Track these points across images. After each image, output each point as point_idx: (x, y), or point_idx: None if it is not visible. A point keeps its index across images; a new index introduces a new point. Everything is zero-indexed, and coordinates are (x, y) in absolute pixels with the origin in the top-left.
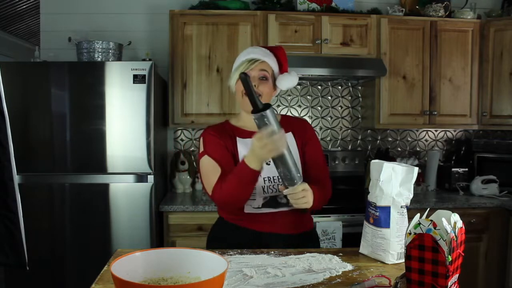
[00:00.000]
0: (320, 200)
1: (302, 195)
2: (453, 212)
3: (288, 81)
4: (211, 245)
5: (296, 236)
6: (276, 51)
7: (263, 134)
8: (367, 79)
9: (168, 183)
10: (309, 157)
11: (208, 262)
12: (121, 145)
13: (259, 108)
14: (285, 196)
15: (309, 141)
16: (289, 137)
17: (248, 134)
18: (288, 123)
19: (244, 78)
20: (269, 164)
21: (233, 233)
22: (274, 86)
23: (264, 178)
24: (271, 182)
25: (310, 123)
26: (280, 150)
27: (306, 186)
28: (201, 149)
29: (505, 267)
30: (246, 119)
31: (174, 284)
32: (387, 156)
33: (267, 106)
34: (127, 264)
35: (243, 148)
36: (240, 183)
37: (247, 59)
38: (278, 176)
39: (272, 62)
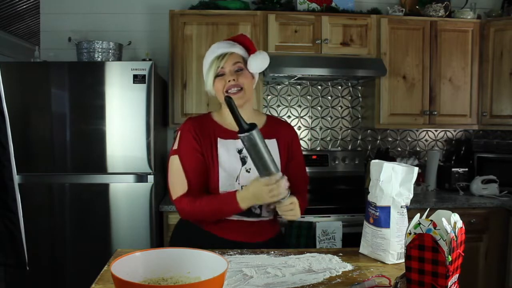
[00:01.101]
0: (303, 210)
1: (291, 208)
2: (453, 212)
3: (257, 61)
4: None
5: (261, 243)
6: (240, 39)
7: (271, 181)
8: (367, 79)
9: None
10: (294, 172)
11: (208, 262)
12: (121, 145)
13: (244, 129)
14: (259, 207)
15: (295, 155)
16: (272, 144)
17: (229, 135)
18: (273, 128)
19: (228, 101)
20: (249, 172)
21: (195, 235)
22: (252, 74)
23: (242, 186)
24: None
25: (310, 123)
26: (284, 193)
27: (294, 199)
28: (175, 146)
29: (505, 267)
30: (228, 117)
31: (174, 284)
32: (387, 156)
33: (253, 126)
34: (127, 264)
35: (224, 150)
36: (219, 211)
37: (215, 56)
38: None
39: (240, 51)
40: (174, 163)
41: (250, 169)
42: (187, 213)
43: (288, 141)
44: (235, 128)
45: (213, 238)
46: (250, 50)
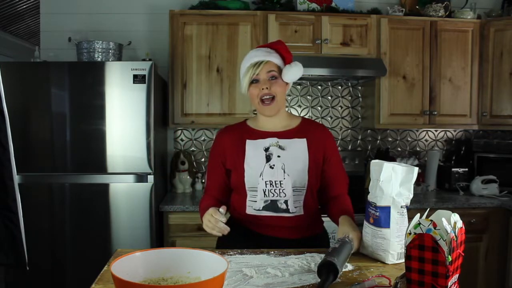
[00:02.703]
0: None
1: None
2: (453, 212)
3: (291, 72)
4: (220, 241)
5: (299, 240)
6: (276, 47)
7: (216, 215)
8: (367, 79)
9: (168, 183)
10: (333, 172)
11: (208, 262)
12: (121, 145)
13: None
14: (285, 203)
15: (330, 156)
16: (302, 143)
17: (258, 136)
18: (305, 128)
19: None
20: (272, 168)
21: (236, 232)
22: (285, 82)
23: (266, 182)
24: (273, 186)
25: None
26: (215, 232)
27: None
28: (211, 149)
29: (505, 267)
30: (262, 122)
31: (174, 284)
32: (387, 156)
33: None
34: (127, 264)
35: (251, 148)
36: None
37: (251, 63)
38: (280, 181)
39: (276, 59)
40: (207, 165)
41: (274, 165)
42: (199, 207)
43: (321, 143)
44: (266, 128)
45: (250, 235)
46: (286, 58)
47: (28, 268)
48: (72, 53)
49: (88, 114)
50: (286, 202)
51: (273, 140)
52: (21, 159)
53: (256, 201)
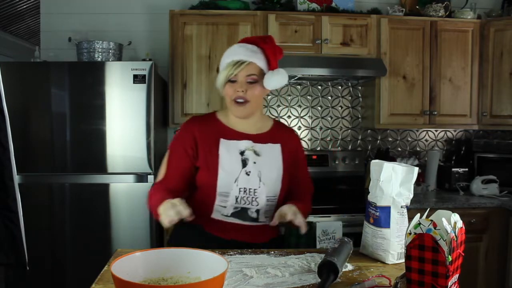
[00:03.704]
0: (306, 215)
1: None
2: (453, 212)
3: (274, 80)
4: (173, 241)
5: (264, 244)
6: (263, 46)
7: (175, 205)
8: (367, 79)
9: None
10: (300, 179)
11: (208, 262)
12: (121, 145)
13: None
14: (256, 212)
15: (300, 162)
16: (276, 149)
17: (232, 136)
18: (278, 133)
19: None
20: (248, 175)
21: (197, 237)
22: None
23: (240, 188)
24: (246, 194)
25: (310, 123)
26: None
27: (294, 209)
28: (174, 139)
29: (505, 267)
30: (234, 120)
31: (174, 284)
32: (387, 156)
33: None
34: (127, 264)
35: (225, 150)
36: (154, 211)
37: (232, 61)
38: (254, 189)
39: (259, 62)
40: (166, 154)
41: (250, 172)
42: (148, 198)
43: (293, 149)
44: (239, 128)
45: (213, 239)
46: (271, 62)
47: (28, 268)
48: (72, 53)
49: (88, 114)
50: (257, 211)
51: (248, 143)
52: (21, 159)
53: (225, 207)
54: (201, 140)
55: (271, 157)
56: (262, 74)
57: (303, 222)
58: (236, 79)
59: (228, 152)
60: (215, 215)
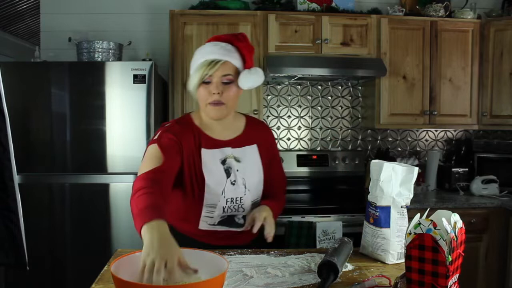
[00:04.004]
0: (278, 214)
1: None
2: (453, 212)
3: (250, 80)
4: None
5: (253, 240)
6: (238, 44)
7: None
8: (367, 79)
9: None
10: (273, 175)
11: (208, 262)
12: (121, 145)
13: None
14: (243, 218)
15: (274, 158)
16: (254, 151)
17: (213, 144)
18: (253, 132)
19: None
20: (234, 185)
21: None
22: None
23: (227, 199)
24: (233, 203)
25: (310, 123)
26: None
27: (265, 214)
28: (155, 137)
29: (505, 267)
30: (210, 123)
31: (174, 284)
32: (387, 156)
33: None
34: (127, 264)
35: (208, 160)
36: (134, 217)
37: (206, 60)
38: (240, 197)
39: (235, 60)
40: (151, 149)
41: (235, 181)
42: (133, 189)
43: (268, 145)
44: (217, 134)
45: (202, 246)
46: (246, 60)
47: (28, 268)
48: (72, 53)
49: (88, 114)
50: (244, 217)
51: (228, 150)
52: (21, 159)
53: (212, 217)
54: (186, 149)
55: (251, 161)
56: (237, 73)
57: (270, 232)
58: (210, 80)
59: (211, 163)
60: (201, 226)
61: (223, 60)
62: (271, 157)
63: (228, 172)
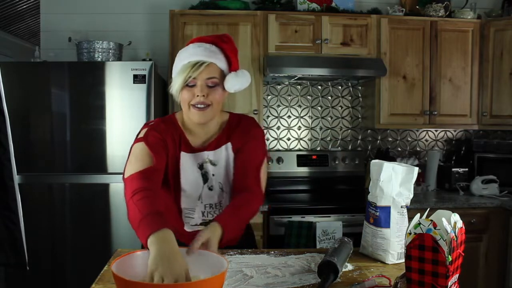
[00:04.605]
0: (244, 220)
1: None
2: (453, 212)
3: (236, 82)
4: None
5: (240, 240)
6: (223, 45)
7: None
8: (367, 79)
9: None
10: (240, 162)
11: (208, 262)
12: (121, 145)
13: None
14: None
15: (245, 145)
16: (228, 149)
17: (191, 149)
18: (231, 128)
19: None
20: (211, 190)
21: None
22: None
23: (205, 205)
24: (212, 208)
25: (310, 123)
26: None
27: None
28: (142, 135)
29: (505, 267)
30: (193, 125)
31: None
32: (387, 156)
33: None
34: (127, 264)
35: (186, 164)
36: (134, 224)
37: (190, 62)
38: (220, 202)
39: (220, 62)
40: (139, 147)
41: (212, 186)
42: (127, 189)
43: (242, 137)
44: (196, 137)
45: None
46: (232, 62)
47: (28, 268)
48: (72, 53)
49: (88, 114)
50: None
51: (205, 155)
52: (21, 159)
53: (193, 218)
54: (170, 148)
55: (226, 162)
56: (222, 76)
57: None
58: (195, 83)
59: (188, 168)
60: (186, 228)
61: (208, 61)
62: (242, 143)
63: (205, 178)
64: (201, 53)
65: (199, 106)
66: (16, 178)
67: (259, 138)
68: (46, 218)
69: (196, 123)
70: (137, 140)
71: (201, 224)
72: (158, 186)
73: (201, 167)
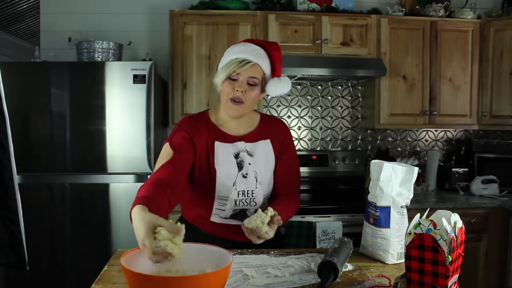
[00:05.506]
0: (286, 219)
1: (266, 236)
2: (453, 212)
3: (278, 88)
4: None
5: (261, 245)
6: (270, 50)
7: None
8: (367, 79)
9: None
10: (282, 169)
11: (212, 257)
12: (121, 145)
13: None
14: (255, 212)
15: (286, 151)
16: (267, 145)
17: (226, 139)
18: (267, 126)
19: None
20: (245, 178)
21: (196, 238)
22: (262, 90)
23: (238, 192)
24: (245, 196)
25: (310, 123)
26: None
27: (267, 228)
28: (169, 136)
29: (505, 267)
30: (226, 119)
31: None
32: (387, 156)
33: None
34: (134, 259)
35: (221, 154)
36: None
37: (238, 58)
38: (252, 191)
39: (264, 65)
40: (164, 148)
41: (247, 174)
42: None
43: (281, 139)
44: (232, 130)
45: (212, 240)
46: (275, 69)
47: (28, 268)
48: (72, 53)
49: (88, 114)
50: (256, 211)
51: (241, 145)
52: (21, 159)
53: (224, 210)
54: (198, 144)
55: (264, 155)
56: (263, 79)
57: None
58: (237, 78)
59: (223, 156)
60: (213, 218)
61: (254, 61)
62: (283, 152)
63: (240, 166)
64: (249, 52)
65: (235, 100)
66: (16, 178)
67: (293, 144)
68: (46, 218)
69: (229, 115)
70: (165, 141)
71: (230, 217)
72: (172, 187)
73: (236, 156)
